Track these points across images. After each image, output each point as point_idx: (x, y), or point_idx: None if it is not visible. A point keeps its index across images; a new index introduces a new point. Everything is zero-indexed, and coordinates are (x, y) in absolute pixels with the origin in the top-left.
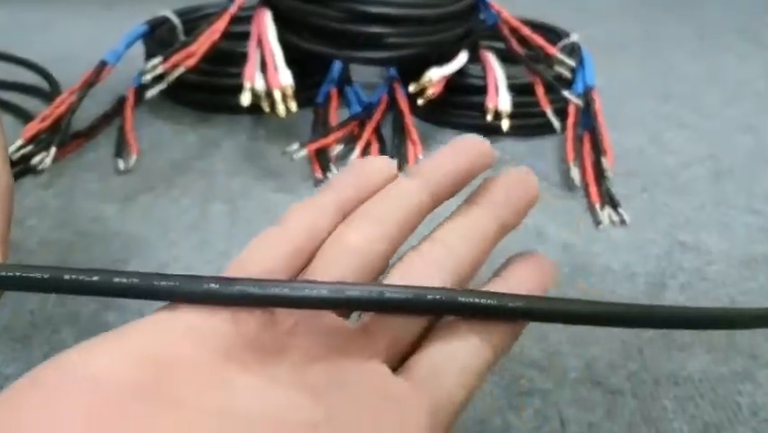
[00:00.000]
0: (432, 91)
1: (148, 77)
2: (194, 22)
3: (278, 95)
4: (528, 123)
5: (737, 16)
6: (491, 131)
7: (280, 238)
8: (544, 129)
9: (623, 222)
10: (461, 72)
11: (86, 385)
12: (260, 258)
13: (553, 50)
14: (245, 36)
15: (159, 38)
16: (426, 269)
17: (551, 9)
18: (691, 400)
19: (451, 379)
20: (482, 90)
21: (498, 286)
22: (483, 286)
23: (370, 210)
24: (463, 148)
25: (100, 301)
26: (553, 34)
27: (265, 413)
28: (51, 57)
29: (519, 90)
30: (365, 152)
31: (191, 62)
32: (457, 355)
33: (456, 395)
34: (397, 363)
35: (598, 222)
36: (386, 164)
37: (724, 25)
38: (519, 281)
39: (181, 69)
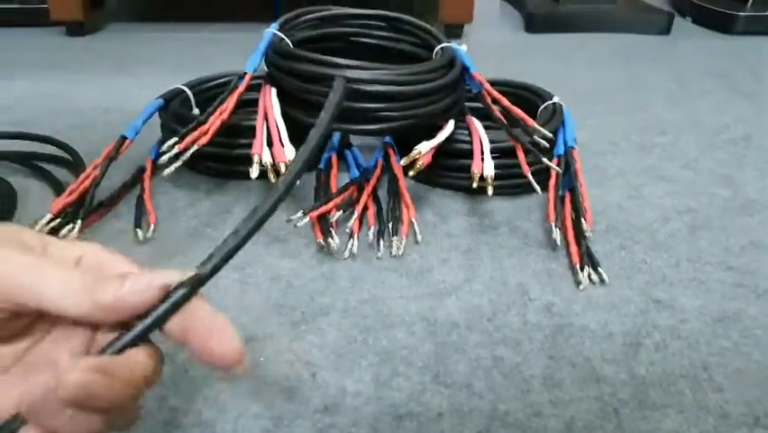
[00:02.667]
0: (421, 162)
1: (165, 158)
2: (204, 93)
3: (283, 168)
4: (514, 182)
5: (717, 61)
6: (479, 191)
7: None
8: (530, 188)
9: (602, 281)
10: (449, 138)
11: None
12: None
13: (532, 122)
14: (251, 102)
15: (173, 110)
16: None
17: (541, 62)
18: None
19: None
20: (469, 154)
21: None
22: None
23: None
24: None
25: None
26: (536, 96)
27: None
28: (72, 123)
29: (504, 153)
30: (362, 215)
31: (204, 140)
32: None
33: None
34: None
35: (578, 282)
36: None
37: (704, 70)
38: None
39: (195, 148)
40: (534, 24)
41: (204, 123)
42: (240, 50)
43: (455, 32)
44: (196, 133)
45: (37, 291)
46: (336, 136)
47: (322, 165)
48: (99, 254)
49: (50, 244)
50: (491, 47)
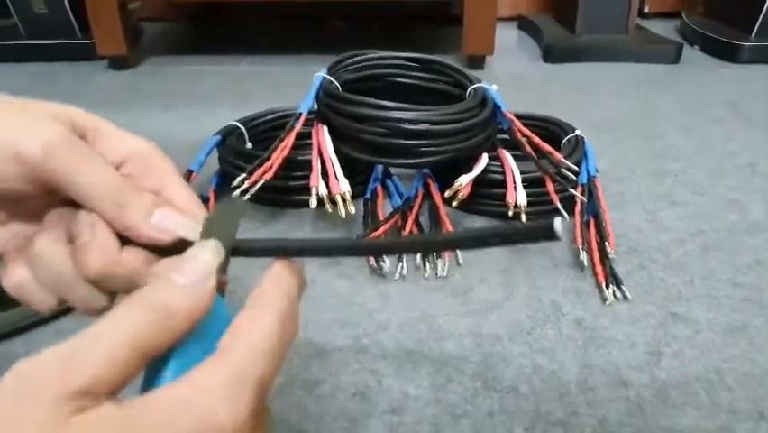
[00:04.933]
0: (462, 194)
1: (237, 192)
2: (256, 128)
3: (339, 199)
4: (543, 209)
5: (724, 89)
6: (512, 217)
7: None
8: (558, 213)
9: (625, 298)
10: (483, 169)
11: None
12: None
13: (559, 156)
14: (302, 135)
15: (230, 145)
16: None
17: (559, 91)
18: None
19: None
20: (501, 184)
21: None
22: None
23: None
24: None
25: None
26: (560, 129)
27: None
28: None
29: (532, 182)
30: None
31: (269, 175)
32: None
33: None
34: None
35: (604, 299)
36: None
37: (712, 98)
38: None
39: (261, 182)
40: (552, 55)
41: (267, 159)
42: (276, 87)
43: (477, 63)
44: (261, 170)
45: (72, 182)
46: (380, 168)
47: (369, 195)
48: (148, 157)
49: (101, 133)
50: (511, 76)
